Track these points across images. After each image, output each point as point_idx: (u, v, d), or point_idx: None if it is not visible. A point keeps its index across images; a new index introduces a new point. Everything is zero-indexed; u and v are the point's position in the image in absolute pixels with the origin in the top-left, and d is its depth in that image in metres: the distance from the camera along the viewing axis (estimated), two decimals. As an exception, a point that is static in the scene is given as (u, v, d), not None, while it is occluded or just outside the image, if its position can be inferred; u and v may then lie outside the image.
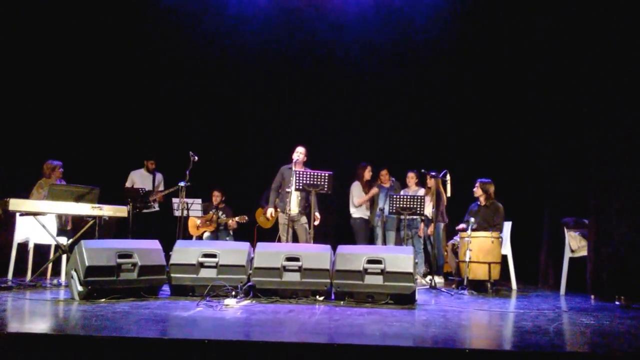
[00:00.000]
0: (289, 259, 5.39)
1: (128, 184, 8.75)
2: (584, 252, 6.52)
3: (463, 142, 9.24)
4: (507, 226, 7.31)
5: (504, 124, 8.84)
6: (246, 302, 5.08)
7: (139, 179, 8.85)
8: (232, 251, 5.64)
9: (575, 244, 6.65)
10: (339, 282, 5.31)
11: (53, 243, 6.73)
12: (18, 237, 6.68)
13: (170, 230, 8.09)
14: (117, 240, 5.66)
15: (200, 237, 9.01)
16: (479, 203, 7.33)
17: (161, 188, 8.78)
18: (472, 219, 6.85)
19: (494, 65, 8.82)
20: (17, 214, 6.38)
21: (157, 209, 8.80)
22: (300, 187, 6.87)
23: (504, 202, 7.30)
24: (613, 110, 6.11)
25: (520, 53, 8.31)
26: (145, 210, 8.59)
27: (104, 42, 9.10)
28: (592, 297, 6.09)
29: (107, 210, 6.31)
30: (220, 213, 9.02)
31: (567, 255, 6.75)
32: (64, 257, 6.53)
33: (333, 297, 5.44)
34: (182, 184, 7.56)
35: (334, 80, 9.78)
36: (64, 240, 6.55)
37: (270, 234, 8.74)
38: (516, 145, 8.67)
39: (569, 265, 6.75)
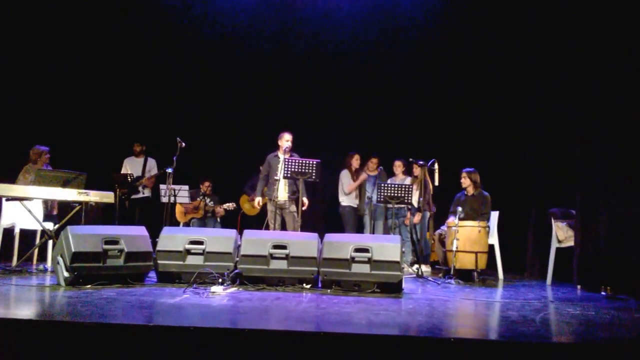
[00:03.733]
0: (276, 247, 5.38)
1: (123, 171, 8.70)
2: (571, 243, 6.55)
3: (450, 131, 9.24)
4: (494, 216, 7.35)
5: (492, 113, 8.85)
6: (233, 289, 5.07)
7: (130, 165, 8.78)
8: (219, 238, 5.62)
9: (562, 234, 6.69)
10: (326, 271, 5.30)
11: (39, 228, 6.69)
12: (4, 222, 6.63)
13: (157, 216, 8.06)
14: (103, 227, 5.63)
15: (187, 224, 8.98)
16: (465, 192, 7.34)
17: (154, 173, 8.70)
18: (460, 208, 6.87)
19: (482, 54, 8.81)
20: (4, 199, 6.33)
21: (146, 194, 8.71)
22: (288, 175, 6.86)
23: (491, 191, 7.32)
24: (599, 103, 6.13)
25: (509, 43, 8.30)
26: (133, 196, 8.53)
27: (90, 28, 8.99)
28: (579, 287, 6.14)
29: (94, 196, 6.26)
30: (207, 200, 9.00)
31: (554, 245, 6.78)
32: (50, 242, 6.50)
33: (320, 285, 5.44)
34: (169, 170, 7.52)
35: (322, 67, 9.73)
36: (50, 226, 6.51)
37: (256, 221, 8.73)
38: (504, 135, 8.69)
39: (555, 256, 6.79)
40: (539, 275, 7.43)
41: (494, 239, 7.23)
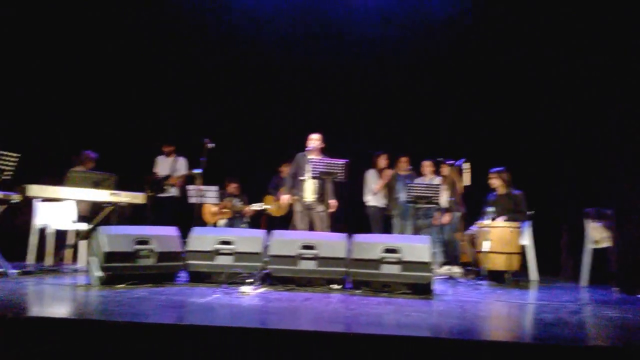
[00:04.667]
0: (304, 247, 5.38)
1: (155, 169, 8.81)
2: (606, 243, 6.42)
3: (482, 130, 9.10)
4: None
5: (525, 111, 8.71)
6: (262, 289, 5.07)
7: (160, 164, 8.87)
8: (248, 239, 5.65)
9: (597, 234, 6.55)
10: (355, 271, 5.28)
11: (72, 229, 6.80)
12: (38, 223, 6.74)
13: (186, 217, 8.10)
14: (134, 227, 5.66)
15: (215, 225, 9.02)
16: (496, 193, 7.23)
17: (182, 172, 8.76)
18: (491, 209, 6.77)
19: (515, 50, 8.67)
20: (37, 200, 6.44)
21: (174, 194, 8.77)
22: (316, 175, 6.84)
23: (524, 191, 7.19)
24: (636, 100, 5.99)
25: (540, 38, 8.17)
26: (160, 195, 8.59)
27: (119, 28, 9.12)
28: (615, 289, 5.99)
29: (125, 197, 6.32)
30: (235, 200, 9.03)
31: (589, 246, 6.65)
32: (83, 242, 6.59)
33: (349, 285, 5.41)
34: (196, 171, 7.56)
35: (349, 66, 9.68)
36: (83, 226, 6.60)
37: (282, 222, 8.72)
38: (537, 133, 8.54)
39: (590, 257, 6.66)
40: (572, 277, 7.26)
41: (526, 240, 7.11)
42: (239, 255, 5.48)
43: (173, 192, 8.73)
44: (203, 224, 8.85)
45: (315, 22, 9.65)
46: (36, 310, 3.98)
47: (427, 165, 8.30)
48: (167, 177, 8.62)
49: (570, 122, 7.73)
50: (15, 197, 5.71)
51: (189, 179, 8.51)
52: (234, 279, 5.28)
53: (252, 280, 5.19)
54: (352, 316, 3.89)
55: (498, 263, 6.57)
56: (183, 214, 8.45)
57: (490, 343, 3.18)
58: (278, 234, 5.65)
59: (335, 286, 5.33)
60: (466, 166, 7.14)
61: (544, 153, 8.37)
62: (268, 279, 5.41)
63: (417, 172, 8.42)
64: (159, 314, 3.78)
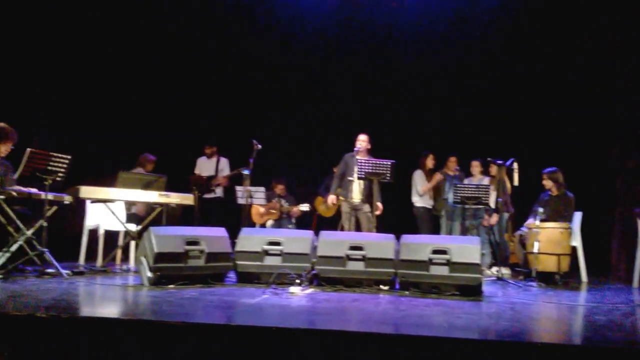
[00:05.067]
0: (352, 248, 5.36)
1: (196, 171, 8.91)
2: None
3: (531, 130, 8.94)
4: (578, 217, 7.06)
5: (574, 110, 8.52)
6: (311, 290, 5.09)
7: (202, 165, 8.97)
8: (296, 239, 5.67)
9: (650, 235, 6.37)
10: (403, 272, 5.25)
11: (122, 229, 6.95)
12: (89, 224, 6.92)
13: (235, 217, 8.19)
14: (184, 228, 5.75)
15: (263, 225, 9.10)
16: (550, 193, 7.08)
17: (226, 173, 8.84)
18: (541, 209, 6.65)
19: (564, 49, 8.49)
20: (88, 201, 6.60)
21: (219, 195, 8.85)
22: (363, 176, 6.83)
23: (573, 191, 7.03)
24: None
25: (595, 36, 7.98)
26: (206, 196, 8.67)
27: (162, 31, 9.29)
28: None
29: (174, 198, 6.44)
30: (283, 201, 9.09)
31: (642, 247, 6.47)
32: (133, 243, 6.73)
33: (397, 287, 5.39)
34: (246, 172, 7.61)
35: (394, 66, 9.64)
36: (133, 227, 6.74)
37: (331, 223, 8.73)
38: (587, 132, 8.35)
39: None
40: (624, 278, 7.08)
41: (576, 241, 6.95)
42: (287, 256, 5.50)
43: (218, 192, 8.81)
44: (251, 224, 8.93)
45: (360, 24, 9.63)
46: (88, 310, 4.07)
47: (475, 166, 8.19)
48: (212, 178, 8.70)
49: (622, 119, 7.53)
50: (67, 199, 5.89)
51: (234, 180, 8.59)
52: (283, 280, 5.31)
53: (300, 281, 5.21)
54: (402, 317, 3.87)
55: (548, 264, 6.44)
56: (229, 214, 8.55)
57: (542, 345, 3.12)
58: (326, 234, 5.66)
59: (384, 287, 5.31)
60: (515, 166, 7.01)
61: (595, 150, 8.17)
62: (316, 280, 5.44)
63: (466, 172, 8.31)
64: (210, 314, 3.83)
